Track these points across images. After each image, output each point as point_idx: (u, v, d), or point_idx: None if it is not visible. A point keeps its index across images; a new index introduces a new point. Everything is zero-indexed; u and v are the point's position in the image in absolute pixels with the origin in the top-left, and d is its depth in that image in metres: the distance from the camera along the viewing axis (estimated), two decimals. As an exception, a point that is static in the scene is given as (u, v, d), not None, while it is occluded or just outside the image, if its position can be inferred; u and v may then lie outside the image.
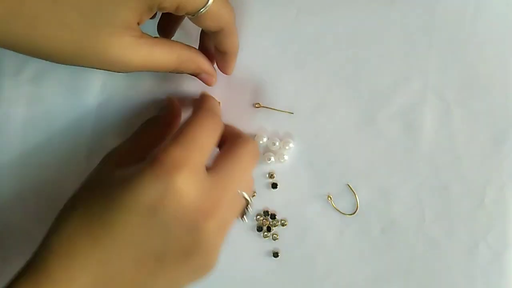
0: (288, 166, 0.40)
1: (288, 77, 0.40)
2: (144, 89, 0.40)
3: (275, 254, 0.40)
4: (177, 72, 0.34)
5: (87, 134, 0.41)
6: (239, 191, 0.32)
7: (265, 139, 0.40)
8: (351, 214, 0.40)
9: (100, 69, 0.31)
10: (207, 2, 0.30)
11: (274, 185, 0.40)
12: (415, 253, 0.40)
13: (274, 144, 0.40)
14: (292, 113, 0.40)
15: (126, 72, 0.31)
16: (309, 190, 0.40)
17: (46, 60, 0.30)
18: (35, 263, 0.28)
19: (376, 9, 0.40)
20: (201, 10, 0.30)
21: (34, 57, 0.30)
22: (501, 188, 0.40)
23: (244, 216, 0.34)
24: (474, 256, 0.40)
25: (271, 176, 0.40)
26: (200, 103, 0.36)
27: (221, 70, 0.38)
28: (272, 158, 0.40)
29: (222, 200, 0.30)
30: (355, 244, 0.40)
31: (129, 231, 0.27)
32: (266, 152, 0.40)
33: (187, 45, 0.34)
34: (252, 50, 0.40)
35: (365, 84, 0.40)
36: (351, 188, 0.40)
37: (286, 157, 0.40)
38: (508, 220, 0.40)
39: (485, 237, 0.40)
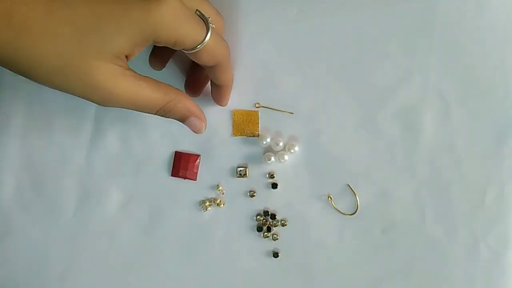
0: (288, 166, 0.40)
1: (288, 77, 0.40)
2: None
3: (275, 254, 0.40)
4: (163, 113, 0.33)
5: (87, 133, 0.41)
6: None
7: (268, 140, 0.40)
8: (351, 214, 0.40)
9: (80, 96, 0.29)
10: (204, 39, 0.31)
11: (274, 185, 0.40)
12: (415, 253, 0.40)
13: (278, 144, 0.40)
14: (292, 113, 0.40)
15: (108, 105, 0.30)
16: (309, 190, 0.40)
17: (26, 76, 0.29)
18: None
19: (376, 9, 0.40)
20: (198, 46, 0.31)
21: (14, 71, 0.28)
22: (502, 188, 0.39)
23: None
24: (475, 256, 0.40)
25: (271, 176, 0.40)
26: None
27: (216, 102, 0.39)
28: (273, 158, 0.40)
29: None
30: (355, 244, 0.40)
31: None
32: (267, 152, 0.40)
33: (174, 87, 0.33)
34: (252, 50, 0.40)
35: (365, 84, 0.40)
36: (351, 188, 0.40)
37: (286, 157, 0.40)
38: (509, 220, 0.39)
39: (486, 237, 0.40)
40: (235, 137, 0.40)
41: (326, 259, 0.40)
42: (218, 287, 0.41)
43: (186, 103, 0.34)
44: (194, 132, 0.35)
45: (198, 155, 0.41)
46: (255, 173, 0.41)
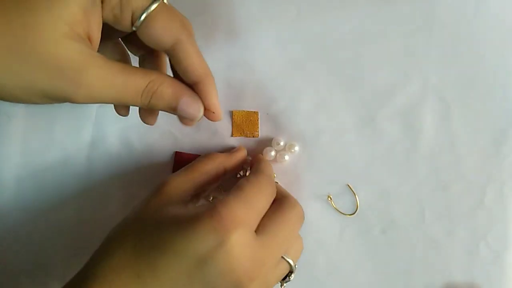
0: (288, 166, 0.40)
1: (288, 77, 0.40)
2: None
3: (275, 254, 0.40)
4: (148, 99, 0.28)
5: (88, 133, 0.41)
6: (285, 257, 0.31)
7: (282, 143, 0.40)
8: (351, 214, 0.40)
9: (47, 86, 0.25)
10: (152, 2, 0.27)
11: (274, 185, 0.40)
12: (415, 253, 0.40)
13: (278, 144, 0.40)
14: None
15: (81, 97, 0.26)
16: (309, 190, 0.40)
17: None
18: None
19: (376, 9, 0.40)
20: (145, 11, 0.27)
21: None
22: (501, 188, 0.40)
23: (284, 284, 0.34)
24: (474, 256, 0.40)
25: (271, 176, 0.40)
26: (259, 166, 0.35)
27: (206, 116, 0.32)
28: (273, 153, 0.40)
29: (267, 263, 0.29)
30: (355, 244, 0.40)
31: (174, 276, 0.26)
32: (267, 147, 0.40)
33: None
34: (252, 51, 0.40)
35: (365, 84, 0.40)
36: (351, 188, 0.40)
37: (286, 157, 0.40)
38: (508, 219, 0.40)
39: (485, 237, 0.40)
40: (235, 137, 0.41)
41: (326, 259, 0.40)
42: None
43: (171, 82, 0.29)
44: (190, 119, 0.30)
45: (198, 155, 0.41)
46: (255, 173, 0.41)
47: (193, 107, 0.30)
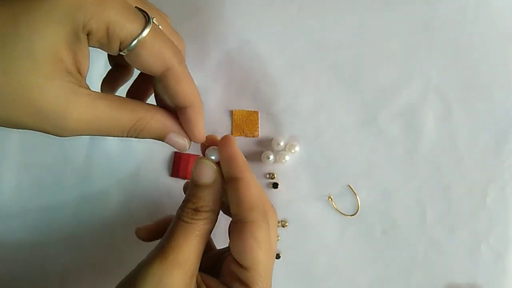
0: (288, 166, 0.40)
1: (288, 77, 0.40)
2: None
3: (277, 256, 0.40)
4: (135, 134, 0.27)
5: (86, 134, 0.41)
6: None
7: (282, 144, 0.40)
8: (352, 215, 0.40)
9: (33, 128, 0.24)
10: (143, 31, 0.25)
11: (275, 185, 0.40)
12: (416, 253, 0.40)
13: (278, 144, 0.39)
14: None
15: (67, 134, 0.25)
16: (310, 191, 0.40)
17: None
18: None
19: (377, 9, 0.40)
20: (135, 40, 0.25)
21: None
22: (503, 188, 0.39)
23: None
24: (476, 257, 0.40)
25: (271, 176, 0.40)
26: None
27: (188, 135, 0.30)
28: (271, 157, 0.39)
29: None
30: (356, 245, 0.40)
31: None
32: (266, 151, 0.40)
33: (143, 102, 0.28)
34: (252, 50, 0.40)
35: (366, 84, 0.40)
36: (352, 189, 0.40)
37: (287, 158, 0.40)
38: (510, 220, 0.39)
39: (487, 237, 0.40)
40: (235, 137, 0.40)
41: (327, 259, 0.40)
42: None
43: (160, 118, 0.28)
44: (178, 149, 0.30)
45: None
46: (255, 173, 0.40)
47: (179, 141, 0.29)
